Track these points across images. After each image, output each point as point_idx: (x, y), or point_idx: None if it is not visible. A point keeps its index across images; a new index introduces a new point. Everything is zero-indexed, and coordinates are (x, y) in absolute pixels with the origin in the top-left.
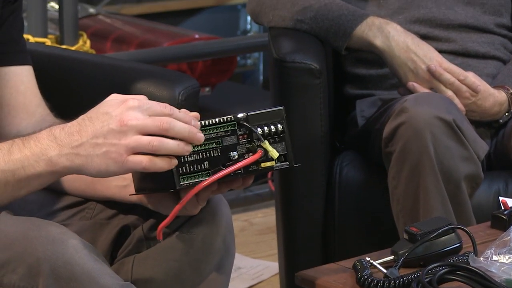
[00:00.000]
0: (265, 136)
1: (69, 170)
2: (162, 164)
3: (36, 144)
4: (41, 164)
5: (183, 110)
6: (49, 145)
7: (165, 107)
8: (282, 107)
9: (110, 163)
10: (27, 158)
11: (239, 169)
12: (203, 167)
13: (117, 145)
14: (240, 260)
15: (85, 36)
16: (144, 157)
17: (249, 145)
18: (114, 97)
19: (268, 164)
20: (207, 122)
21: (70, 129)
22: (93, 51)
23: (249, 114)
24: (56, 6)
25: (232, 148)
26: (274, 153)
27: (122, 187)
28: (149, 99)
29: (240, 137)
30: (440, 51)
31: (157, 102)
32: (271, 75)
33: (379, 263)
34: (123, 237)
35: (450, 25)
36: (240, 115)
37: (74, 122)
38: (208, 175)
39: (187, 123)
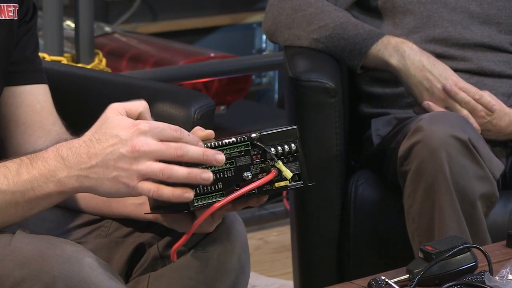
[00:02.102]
0: (278, 155)
1: (78, 190)
2: (168, 194)
3: (44, 165)
4: (50, 186)
5: (197, 127)
6: (57, 166)
7: (176, 131)
8: (295, 127)
9: (121, 187)
10: (36, 179)
11: (253, 189)
12: (217, 188)
13: (128, 171)
14: (255, 279)
15: (101, 54)
16: (153, 186)
17: (263, 165)
18: (121, 119)
19: (282, 183)
20: (220, 142)
21: (77, 150)
22: (109, 70)
23: (262, 134)
24: (72, 25)
25: (245, 168)
26: (288, 173)
27: (138, 205)
28: (165, 118)
29: (254, 157)
30: (456, 70)
31: (168, 125)
32: (286, 93)
33: (394, 282)
34: (139, 255)
35: (465, 44)
36: (254, 135)
37: (81, 141)
38: (222, 195)
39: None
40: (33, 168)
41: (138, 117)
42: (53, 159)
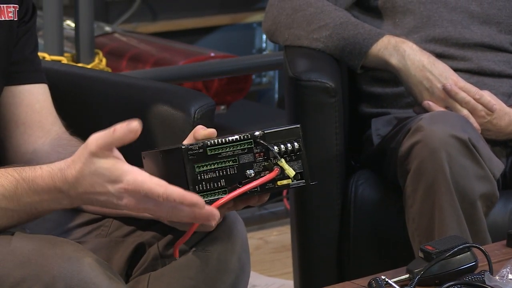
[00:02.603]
0: (281, 154)
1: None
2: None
3: (44, 194)
4: (52, 206)
5: (199, 126)
6: (58, 196)
7: (159, 197)
8: (298, 126)
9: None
10: (39, 203)
11: (255, 187)
12: (219, 185)
13: (129, 205)
14: (255, 278)
15: (101, 54)
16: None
17: (265, 163)
18: (104, 167)
19: (285, 182)
20: (224, 140)
21: (74, 186)
22: (109, 69)
23: (265, 132)
24: (72, 25)
25: (248, 166)
26: (291, 172)
27: None
28: (165, 118)
29: (257, 155)
30: (456, 70)
31: (156, 191)
32: (286, 93)
33: (395, 282)
34: (139, 255)
35: (466, 44)
36: (257, 133)
37: (74, 172)
38: (225, 192)
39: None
40: (33, 194)
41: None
42: (52, 192)
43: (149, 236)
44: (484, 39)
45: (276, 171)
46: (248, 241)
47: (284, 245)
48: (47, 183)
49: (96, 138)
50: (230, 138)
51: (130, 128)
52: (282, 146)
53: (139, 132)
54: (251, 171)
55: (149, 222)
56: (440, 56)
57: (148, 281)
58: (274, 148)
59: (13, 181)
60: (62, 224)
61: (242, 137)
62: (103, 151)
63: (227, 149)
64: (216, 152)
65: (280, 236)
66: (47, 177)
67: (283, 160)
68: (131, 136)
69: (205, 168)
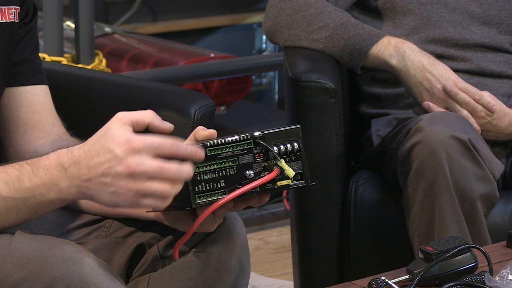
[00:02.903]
0: (281, 154)
1: (80, 198)
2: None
3: (45, 174)
4: (52, 194)
5: (199, 127)
6: (59, 175)
7: (172, 146)
8: (298, 126)
9: (120, 201)
10: (38, 187)
11: (255, 187)
12: (219, 186)
13: (126, 188)
14: (255, 279)
15: (101, 55)
16: (153, 202)
17: (265, 164)
18: (119, 133)
19: (284, 182)
20: (223, 140)
21: (78, 160)
22: (109, 70)
23: (265, 132)
24: (72, 25)
25: (248, 166)
26: (290, 172)
27: None
28: (166, 118)
29: (256, 155)
30: (456, 71)
31: (163, 141)
32: (286, 94)
33: (395, 282)
34: (139, 255)
35: (466, 44)
36: (257, 133)
37: (81, 151)
38: (224, 193)
39: (193, 158)
40: (34, 176)
41: (148, 127)
42: (54, 169)
43: (149, 236)
44: (484, 40)
45: (275, 171)
46: (248, 241)
47: (284, 246)
48: (51, 161)
49: (128, 112)
50: (230, 139)
51: (164, 122)
52: (282, 146)
53: (168, 131)
54: (251, 172)
55: (149, 223)
56: (440, 56)
57: (148, 281)
58: (273, 148)
59: (17, 166)
60: (62, 225)
61: (241, 137)
62: (130, 121)
63: (227, 150)
64: (215, 152)
65: (280, 236)
66: (53, 155)
67: (282, 160)
68: (162, 127)
69: (204, 168)
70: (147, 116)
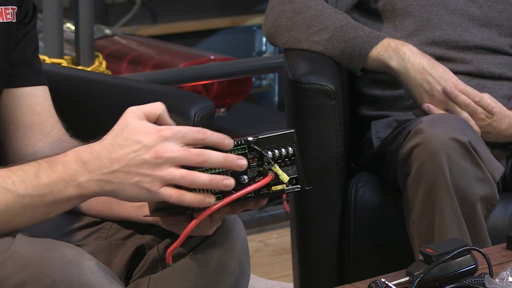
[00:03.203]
0: (275, 159)
1: (99, 194)
2: (190, 200)
3: (64, 169)
4: (70, 190)
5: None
6: (78, 170)
7: (198, 133)
8: (293, 130)
9: (142, 192)
10: (56, 183)
11: (249, 192)
12: (213, 191)
13: (151, 176)
14: (254, 281)
15: (101, 57)
16: (174, 191)
17: (260, 169)
18: (143, 124)
19: (279, 187)
20: None
21: (98, 154)
22: (109, 72)
23: (259, 137)
24: (72, 27)
25: (242, 171)
26: (284, 177)
27: (138, 207)
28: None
29: (251, 160)
30: (456, 73)
31: (190, 128)
32: (286, 96)
33: (394, 284)
34: (138, 257)
35: (466, 46)
36: (250, 138)
37: (102, 145)
38: (219, 198)
39: (220, 145)
40: (52, 172)
41: (157, 119)
42: (73, 163)
43: (149, 238)
44: (484, 42)
45: (270, 176)
46: (248, 243)
47: (284, 248)
48: (69, 157)
49: (139, 106)
50: None
51: (170, 118)
52: (276, 151)
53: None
54: (245, 177)
55: (149, 224)
56: (440, 58)
57: (148, 283)
58: (268, 153)
59: (35, 164)
60: (62, 227)
61: (236, 142)
62: (142, 114)
63: None
64: None
65: (280, 238)
66: (71, 152)
67: (276, 165)
68: (169, 122)
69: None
70: (158, 108)
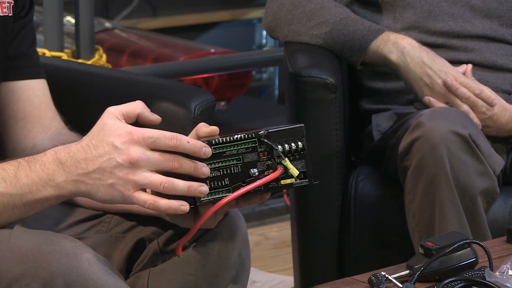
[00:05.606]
0: (285, 153)
1: (75, 194)
2: (164, 207)
3: (42, 169)
4: (48, 189)
5: (201, 124)
6: (56, 170)
7: (171, 139)
8: (302, 125)
9: (116, 195)
10: (35, 183)
11: (259, 186)
12: (223, 184)
13: (124, 180)
14: (255, 274)
15: (101, 50)
16: (149, 197)
17: (269, 162)
18: (118, 126)
19: (288, 181)
20: (228, 138)
21: (75, 155)
22: (109, 65)
23: (269, 131)
24: (73, 21)
25: (252, 164)
26: (295, 171)
27: None
28: (165, 114)
29: (261, 154)
30: (458, 61)
31: (163, 134)
32: (286, 89)
33: (395, 278)
34: (139, 250)
35: (468, 36)
36: (261, 132)
37: (79, 146)
38: (229, 191)
39: (196, 154)
40: (31, 171)
41: (138, 118)
42: (51, 163)
43: (149, 231)
44: (486, 32)
45: (279, 170)
46: (248, 237)
47: (284, 241)
48: (48, 157)
49: (117, 106)
50: (235, 137)
51: (153, 114)
52: (286, 145)
53: (156, 123)
54: (255, 170)
55: (149, 217)
56: (442, 46)
57: (148, 276)
58: (278, 147)
59: (15, 163)
60: (62, 220)
61: (246, 136)
62: (121, 114)
63: (232, 148)
64: (220, 150)
65: (280, 232)
66: (50, 152)
67: (287, 159)
68: (151, 118)
69: (209, 166)
70: (137, 106)
